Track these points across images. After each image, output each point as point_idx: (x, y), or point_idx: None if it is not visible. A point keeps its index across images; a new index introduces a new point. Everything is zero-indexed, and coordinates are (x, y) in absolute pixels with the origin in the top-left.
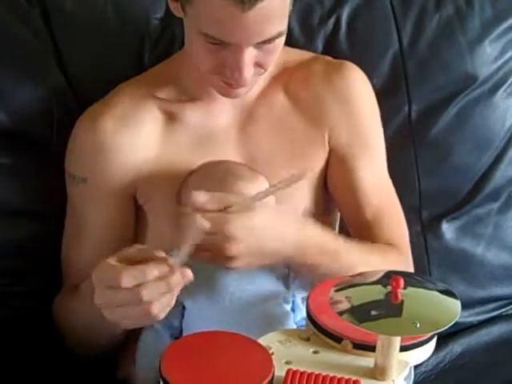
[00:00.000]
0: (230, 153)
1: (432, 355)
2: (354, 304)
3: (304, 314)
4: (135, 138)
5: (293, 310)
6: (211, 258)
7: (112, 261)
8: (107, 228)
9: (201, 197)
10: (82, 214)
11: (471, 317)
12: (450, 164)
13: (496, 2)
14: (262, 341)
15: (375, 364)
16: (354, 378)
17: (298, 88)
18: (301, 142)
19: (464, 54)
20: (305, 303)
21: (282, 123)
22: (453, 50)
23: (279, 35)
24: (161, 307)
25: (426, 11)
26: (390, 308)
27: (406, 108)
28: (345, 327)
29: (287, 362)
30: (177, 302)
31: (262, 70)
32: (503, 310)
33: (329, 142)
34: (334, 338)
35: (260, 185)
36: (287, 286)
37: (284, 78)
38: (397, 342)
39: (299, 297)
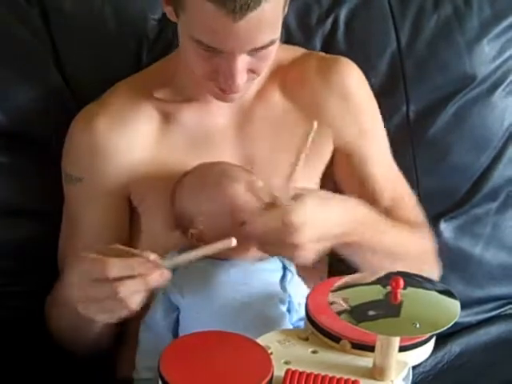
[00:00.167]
0: (226, 154)
1: (430, 355)
2: (352, 304)
3: (300, 314)
4: (131, 138)
5: (288, 310)
6: (278, 252)
7: (95, 254)
8: (102, 228)
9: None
10: (77, 214)
11: (469, 317)
12: (448, 164)
13: (494, 1)
14: (261, 340)
15: (374, 364)
16: (352, 378)
17: (294, 86)
18: (300, 140)
19: (462, 53)
20: (302, 305)
21: (280, 123)
22: (451, 50)
23: (272, 43)
24: (135, 302)
25: (424, 11)
26: (388, 308)
27: (404, 108)
28: (343, 327)
29: (286, 362)
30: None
31: (255, 76)
32: (502, 309)
33: (334, 139)
34: (333, 338)
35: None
36: (283, 287)
37: (279, 76)
38: (396, 342)
39: (295, 298)
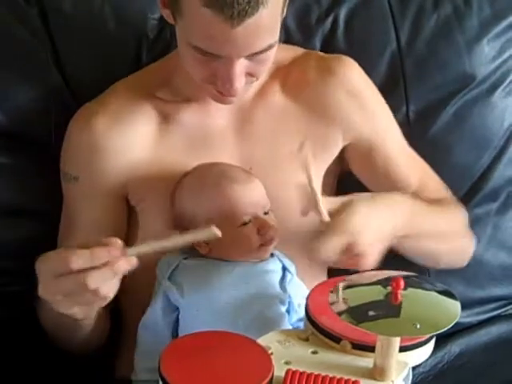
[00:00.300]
0: (225, 155)
1: (430, 356)
2: (352, 304)
3: (299, 315)
4: (129, 137)
5: (288, 311)
6: (343, 265)
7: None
8: (98, 227)
9: None
10: (74, 212)
11: (470, 317)
12: (448, 164)
13: (494, 1)
14: (261, 341)
15: (374, 364)
16: (353, 379)
17: (296, 87)
18: (302, 140)
19: (462, 53)
20: (301, 305)
21: (281, 123)
22: (451, 50)
23: (270, 47)
24: (107, 289)
25: (423, 10)
26: (388, 309)
27: (404, 108)
28: (344, 327)
29: (286, 362)
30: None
31: (254, 79)
32: (502, 310)
33: (345, 137)
34: (333, 339)
35: (255, 187)
36: (283, 288)
37: (279, 76)
38: (396, 342)
39: (295, 298)
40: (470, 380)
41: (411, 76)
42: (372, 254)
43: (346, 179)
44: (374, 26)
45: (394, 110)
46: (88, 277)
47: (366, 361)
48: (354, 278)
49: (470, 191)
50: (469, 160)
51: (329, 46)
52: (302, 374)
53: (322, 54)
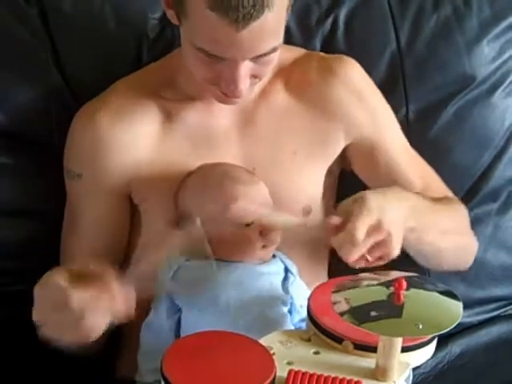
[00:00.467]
0: (228, 155)
1: (431, 356)
2: (354, 305)
3: (301, 316)
4: (132, 135)
5: (290, 312)
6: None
7: (61, 278)
8: (101, 224)
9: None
10: (77, 210)
11: (470, 317)
12: (448, 164)
13: (494, 1)
14: (263, 341)
15: (376, 365)
16: (355, 379)
17: (299, 87)
18: (305, 140)
19: (462, 54)
20: (303, 306)
21: (284, 123)
22: (450, 50)
23: (274, 50)
24: (100, 328)
25: (423, 11)
26: (391, 309)
27: (404, 108)
28: (346, 328)
29: (289, 363)
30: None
31: (258, 80)
32: (503, 310)
33: (347, 136)
34: (335, 339)
35: (258, 188)
36: (285, 289)
37: (282, 77)
38: (398, 343)
39: (297, 299)
40: (471, 380)
41: (411, 76)
42: (397, 234)
43: (347, 179)
44: (373, 27)
45: (394, 110)
46: (87, 315)
47: (368, 361)
48: (355, 278)
49: (470, 191)
50: (469, 160)
51: (329, 47)
52: (304, 374)
53: (323, 54)
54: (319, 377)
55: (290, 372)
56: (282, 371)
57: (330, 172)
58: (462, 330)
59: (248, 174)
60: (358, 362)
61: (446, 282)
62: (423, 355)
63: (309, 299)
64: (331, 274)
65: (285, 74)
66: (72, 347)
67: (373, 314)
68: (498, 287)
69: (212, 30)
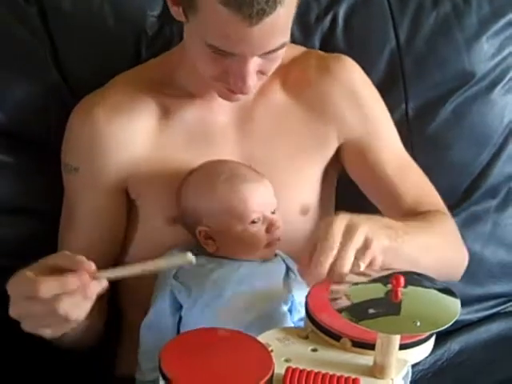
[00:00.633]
0: (225, 151)
1: (430, 353)
2: (353, 302)
3: (301, 314)
4: (129, 130)
5: (290, 310)
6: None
7: (30, 272)
8: (97, 218)
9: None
10: (74, 204)
11: (469, 314)
12: (447, 161)
13: None
14: (261, 338)
15: (374, 362)
16: (353, 376)
17: (296, 85)
18: (302, 139)
19: (461, 50)
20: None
21: (282, 122)
22: (450, 47)
23: (282, 46)
24: (77, 314)
25: (422, 8)
26: (388, 306)
27: (403, 105)
28: (344, 325)
29: (286, 360)
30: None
31: (265, 76)
32: (501, 307)
33: (340, 136)
34: (333, 336)
35: (265, 186)
36: (287, 287)
37: (280, 74)
38: (396, 340)
39: (298, 298)
40: (470, 377)
41: (410, 74)
42: (375, 235)
43: (347, 179)
44: (373, 24)
45: (393, 107)
46: (58, 303)
47: (366, 358)
48: (354, 275)
49: (469, 188)
50: (468, 157)
51: (328, 45)
52: (301, 371)
53: (322, 53)
54: (317, 374)
55: (287, 369)
56: (279, 368)
57: (327, 173)
58: (461, 327)
59: (254, 172)
60: (355, 359)
61: None
62: (421, 352)
63: (307, 296)
64: None
65: (283, 72)
66: (60, 340)
67: (371, 311)
68: (497, 284)
69: (223, 25)
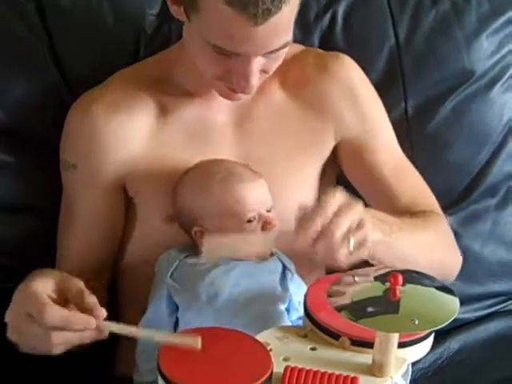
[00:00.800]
0: (223, 150)
1: (429, 352)
2: (351, 300)
3: (299, 313)
4: (128, 127)
5: (287, 310)
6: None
7: (41, 290)
8: (96, 215)
9: None
10: (73, 202)
11: (469, 313)
12: (446, 159)
13: None
14: (260, 337)
15: (373, 361)
16: (352, 375)
17: (295, 83)
18: (301, 138)
19: (461, 48)
20: (301, 304)
21: (281, 120)
22: (449, 45)
23: (285, 45)
24: (62, 349)
25: (422, 6)
26: (387, 305)
27: (403, 103)
28: (343, 324)
29: (285, 359)
30: None
31: (266, 75)
32: (501, 306)
33: (337, 135)
34: (332, 335)
35: (260, 184)
36: (284, 286)
37: (279, 73)
38: (395, 338)
39: (295, 297)
40: (469, 376)
41: (410, 72)
42: (368, 217)
43: (345, 180)
44: (372, 22)
45: (393, 105)
46: (55, 335)
47: (365, 357)
48: (353, 273)
49: (468, 187)
50: (467, 155)
51: (327, 43)
52: (300, 370)
53: (320, 51)
54: (316, 373)
55: (286, 368)
56: (278, 367)
57: (325, 172)
58: (460, 325)
59: (249, 171)
60: (354, 357)
61: None
62: (420, 351)
63: (305, 295)
64: (328, 270)
65: (282, 70)
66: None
67: (369, 309)
68: (497, 283)
69: (227, 25)
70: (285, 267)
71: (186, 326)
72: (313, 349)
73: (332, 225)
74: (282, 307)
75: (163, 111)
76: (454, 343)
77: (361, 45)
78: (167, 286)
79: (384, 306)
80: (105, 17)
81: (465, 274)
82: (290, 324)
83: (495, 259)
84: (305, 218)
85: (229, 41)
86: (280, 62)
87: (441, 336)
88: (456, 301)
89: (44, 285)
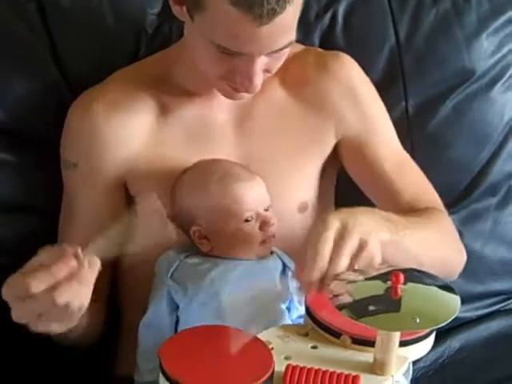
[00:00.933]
0: (224, 149)
1: (430, 350)
2: (353, 299)
3: (300, 312)
4: (128, 126)
5: (288, 308)
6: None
7: (19, 272)
8: (97, 214)
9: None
10: (74, 200)
11: (470, 312)
12: (447, 159)
13: None
14: (262, 336)
15: (374, 359)
16: (353, 373)
17: (295, 83)
18: (302, 136)
19: (461, 48)
20: (302, 303)
21: (281, 119)
22: (450, 45)
23: (289, 45)
24: (79, 301)
25: (422, 5)
26: (388, 303)
27: (403, 103)
28: (344, 322)
29: (286, 358)
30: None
31: (268, 74)
32: (502, 304)
33: (337, 133)
34: (333, 333)
35: (257, 184)
36: (284, 285)
37: (279, 72)
38: (396, 337)
39: (296, 296)
40: (470, 375)
41: (410, 71)
42: (370, 237)
43: (346, 176)
44: (372, 22)
45: (393, 105)
46: (55, 294)
47: (366, 355)
48: (353, 272)
49: (469, 186)
50: (468, 155)
51: (327, 42)
52: (302, 368)
53: (320, 50)
54: (317, 371)
55: (287, 367)
56: (279, 366)
57: (325, 170)
58: (462, 324)
59: (246, 171)
60: (355, 356)
61: None
62: (421, 349)
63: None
64: None
65: (282, 69)
66: (63, 337)
67: (371, 308)
68: (498, 282)
69: (232, 25)
70: (285, 266)
71: (187, 325)
72: (314, 347)
73: (331, 267)
74: (283, 306)
75: (163, 110)
76: (455, 342)
77: (361, 44)
78: (167, 287)
79: (385, 304)
80: (105, 16)
81: (466, 272)
82: (290, 323)
83: (496, 258)
84: (304, 266)
85: (234, 41)
86: (283, 61)
87: (442, 335)
88: (457, 299)
89: (19, 271)
